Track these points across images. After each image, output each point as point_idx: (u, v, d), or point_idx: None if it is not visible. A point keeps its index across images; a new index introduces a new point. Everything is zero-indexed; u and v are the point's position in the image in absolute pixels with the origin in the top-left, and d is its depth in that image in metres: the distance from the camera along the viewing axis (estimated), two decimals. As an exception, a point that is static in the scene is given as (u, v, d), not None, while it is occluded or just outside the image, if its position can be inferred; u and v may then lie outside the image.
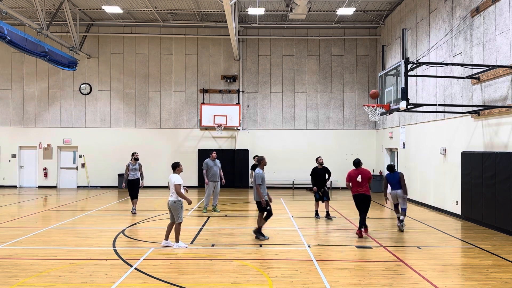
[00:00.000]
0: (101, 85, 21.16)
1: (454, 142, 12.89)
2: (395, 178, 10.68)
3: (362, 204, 9.78)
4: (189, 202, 8.38)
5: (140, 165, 12.83)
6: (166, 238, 8.53)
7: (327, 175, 11.98)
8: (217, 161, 13.06)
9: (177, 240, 8.43)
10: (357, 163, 10.09)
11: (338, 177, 18.96)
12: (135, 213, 12.59)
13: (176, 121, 21.18)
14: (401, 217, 10.55)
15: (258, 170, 9.35)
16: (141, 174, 12.87)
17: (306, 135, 21.07)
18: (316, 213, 12.12)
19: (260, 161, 9.49)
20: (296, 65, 21.21)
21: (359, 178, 9.77)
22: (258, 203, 9.27)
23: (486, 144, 11.17)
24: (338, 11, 18.19)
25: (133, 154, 12.84)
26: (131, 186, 12.63)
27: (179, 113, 21.19)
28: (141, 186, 12.93)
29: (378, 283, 6.38)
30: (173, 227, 8.52)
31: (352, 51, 21.18)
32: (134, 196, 12.69)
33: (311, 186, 12.07)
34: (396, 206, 10.87)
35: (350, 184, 9.94)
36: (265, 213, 9.29)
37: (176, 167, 8.73)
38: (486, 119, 11.19)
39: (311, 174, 12.05)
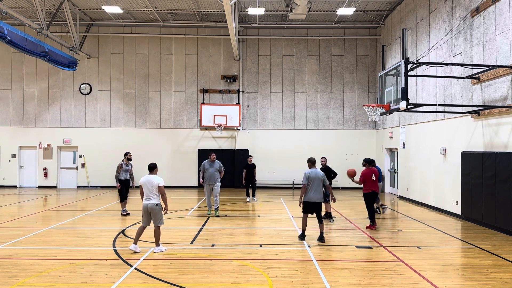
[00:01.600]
0: (101, 85, 21.16)
1: (454, 142, 12.89)
2: (380, 171, 12.14)
3: (375, 200, 10.81)
4: (166, 210, 8.16)
5: (131, 165, 12.77)
6: (136, 242, 8.06)
7: (332, 175, 11.93)
8: (216, 163, 12.49)
9: (157, 244, 8.15)
10: (371, 161, 10.85)
11: (337, 177, 18.91)
12: (129, 213, 12.52)
13: (176, 121, 21.19)
14: (380, 203, 12.73)
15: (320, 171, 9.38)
16: (131, 174, 12.74)
17: (306, 135, 21.07)
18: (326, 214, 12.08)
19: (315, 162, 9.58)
20: (296, 65, 21.21)
21: (373, 177, 10.54)
22: (320, 204, 9.24)
23: (486, 144, 11.17)
24: (338, 11, 18.19)
25: (126, 154, 12.70)
26: (124, 186, 12.52)
27: (179, 113, 21.19)
28: (133, 186, 12.86)
29: (378, 283, 6.38)
30: (153, 231, 8.16)
31: (352, 51, 21.18)
32: (126, 197, 12.59)
33: None
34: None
35: (363, 182, 10.65)
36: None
37: (155, 168, 8.27)
38: (486, 119, 11.19)
39: None
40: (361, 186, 10.89)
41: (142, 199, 8.21)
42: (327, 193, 11.65)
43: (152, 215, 8.09)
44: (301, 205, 9.27)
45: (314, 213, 9.26)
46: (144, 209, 8.11)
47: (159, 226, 8.13)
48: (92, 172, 20.92)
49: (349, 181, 11.29)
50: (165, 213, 8.23)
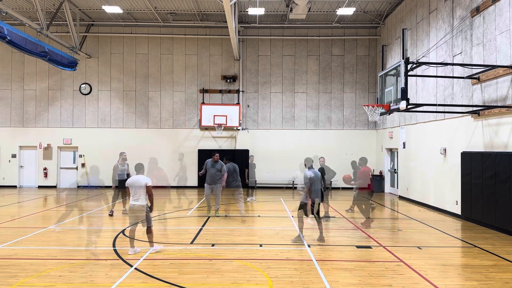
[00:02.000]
0: (101, 85, 21.16)
1: (454, 142, 12.89)
2: None
3: (371, 197, 11.42)
4: (151, 210, 8.12)
5: (128, 165, 12.75)
6: (132, 245, 8.01)
7: (331, 175, 12.29)
8: (219, 164, 12.35)
9: (151, 245, 8.09)
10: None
11: (337, 177, 18.93)
12: (128, 213, 12.49)
13: (176, 121, 21.18)
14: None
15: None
16: (128, 174, 12.66)
17: (306, 135, 21.07)
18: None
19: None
20: (296, 65, 21.21)
21: (370, 175, 11.01)
22: (318, 205, 9.27)
23: (486, 144, 11.17)
24: (338, 11, 18.19)
25: (121, 154, 12.72)
26: (121, 186, 12.48)
27: (179, 113, 21.19)
28: None
29: (378, 283, 6.38)
30: (146, 232, 8.08)
31: (352, 51, 21.17)
32: (125, 197, 12.58)
33: None
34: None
35: (364, 181, 10.94)
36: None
37: (142, 168, 8.19)
38: (486, 119, 11.19)
39: None
40: (357, 186, 11.02)
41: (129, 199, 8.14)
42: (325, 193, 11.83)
43: (140, 216, 8.03)
44: (310, 203, 9.01)
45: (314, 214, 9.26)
46: (131, 210, 8.04)
47: (150, 226, 8.08)
48: (92, 172, 20.89)
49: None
50: (150, 212, 8.19)
